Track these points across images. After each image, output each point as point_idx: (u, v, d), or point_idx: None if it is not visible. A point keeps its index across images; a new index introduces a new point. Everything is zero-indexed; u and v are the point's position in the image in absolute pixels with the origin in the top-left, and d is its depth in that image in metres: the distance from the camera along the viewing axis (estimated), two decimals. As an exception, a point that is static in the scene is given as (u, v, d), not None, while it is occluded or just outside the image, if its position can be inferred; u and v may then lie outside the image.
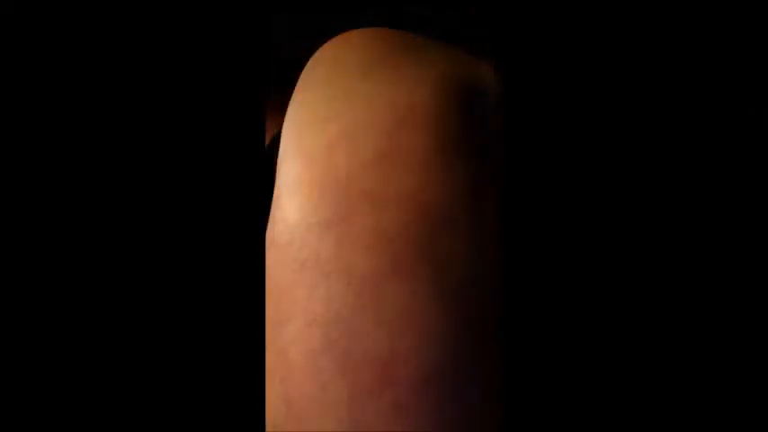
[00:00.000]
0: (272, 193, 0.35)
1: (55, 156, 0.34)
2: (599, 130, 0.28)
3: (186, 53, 0.36)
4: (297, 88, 0.38)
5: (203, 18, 0.36)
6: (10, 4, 0.34)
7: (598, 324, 0.28)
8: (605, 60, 0.28)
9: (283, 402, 0.31)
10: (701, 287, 0.27)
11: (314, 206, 0.32)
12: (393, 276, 0.31)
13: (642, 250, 0.27)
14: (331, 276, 0.31)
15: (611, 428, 0.27)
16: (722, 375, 0.27)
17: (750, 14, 0.27)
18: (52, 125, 0.34)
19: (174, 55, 0.35)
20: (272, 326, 0.32)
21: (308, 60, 0.39)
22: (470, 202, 0.32)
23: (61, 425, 0.33)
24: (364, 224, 0.31)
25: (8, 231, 0.33)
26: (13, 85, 0.34)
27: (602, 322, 0.28)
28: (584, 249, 0.28)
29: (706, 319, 0.27)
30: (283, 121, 0.37)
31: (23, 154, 0.34)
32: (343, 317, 0.31)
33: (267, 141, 0.45)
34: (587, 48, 0.28)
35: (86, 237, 0.33)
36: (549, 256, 0.30)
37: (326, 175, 0.32)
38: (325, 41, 0.39)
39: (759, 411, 0.26)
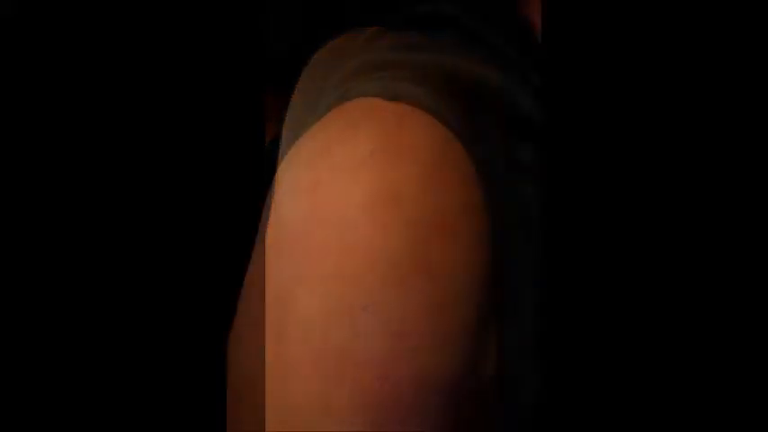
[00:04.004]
0: (272, 193, 0.35)
1: (57, 155, 0.34)
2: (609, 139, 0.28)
3: (186, 53, 0.36)
4: (297, 89, 0.38)
5: (203, 18, 0.36)
6: (10, 4, 0.34)
7: (596, 329, 0.28)
8: (616, 66, 0.28)
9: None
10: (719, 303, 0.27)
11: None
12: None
13: (647, 259, 0.27)
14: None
15: (608, 428, 0.27)
16: (724, 376, 0.27)
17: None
18: (55, 124, 0.34)
19: (174, 56, 0.35)
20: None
21: (308, 60, 0.39)
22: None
23: (63, 424, 0.33)
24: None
25: (8, 229, 0.33)
26: (12, 85, 0.34)
27: (600, 327, 0.27)
28: (585, 252, 0.28)
29: (706, 320, 0.27)
30: (283, 121, 0.37)
31: (23, 154, 0.34)
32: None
33: (267, 141, 0.45)
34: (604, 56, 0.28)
35: (81, 238, 0.33)
36: (548, 256, 0.30)
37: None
38: (324, 42, 0.39)
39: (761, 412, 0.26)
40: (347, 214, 0.31)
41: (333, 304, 0.30)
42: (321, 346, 0.30)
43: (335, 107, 0.36)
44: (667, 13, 0.28)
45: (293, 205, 0.32)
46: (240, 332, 0.33)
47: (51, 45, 0.34)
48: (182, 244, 0.35)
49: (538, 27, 0.39)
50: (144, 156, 0.35)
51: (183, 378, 0.34)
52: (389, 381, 0.30)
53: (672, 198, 0.27)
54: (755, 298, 0.26)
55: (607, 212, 0.28)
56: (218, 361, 0.33)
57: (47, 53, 0.34)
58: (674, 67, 0.28)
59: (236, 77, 0.37)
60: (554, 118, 0.29)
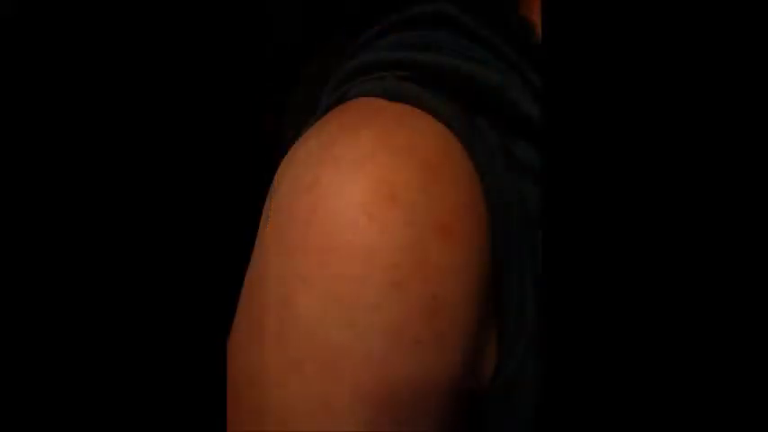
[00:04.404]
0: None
1: (57, 155, 0.34)
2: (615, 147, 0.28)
3: (186, 54, 0.36)
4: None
5: (203, 18, 0.36)
6: (10, 4, 0.34)
7: (596, 329, 0.28)
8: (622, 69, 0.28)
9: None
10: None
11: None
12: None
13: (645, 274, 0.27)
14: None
15: (608, 428, 0.27)
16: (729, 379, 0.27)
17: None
18: (55, 124, 0.34)
19: (174, 56, 0.35)
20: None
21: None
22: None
23: (63, 424, 0.33)
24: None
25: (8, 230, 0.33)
26: (12, 85, 0.34)
27: (601, 327, 0.27)
28: (585, 252, 0.28)
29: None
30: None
31: (23, 153, 0.34)
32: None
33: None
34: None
35: (80, 238, 0.33)
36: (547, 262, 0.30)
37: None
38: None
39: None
40: (347, 214, 0.31)
41: (333, 304, 0.30)
42: (321, 346, 0.30)
43: (335, 107, 0.36)
44: (668, 13, 0.28)
45: (293, 205, 0.32)
46: (240, 332, 0.33)
47: (51, 45, 0.34)
48: (181, 244, 0.35)
49: (538, 27, 0.39)
50: (143, 156, 0.35)
51: (184, 378, 0.34)
52: (389, 381, 0.30)
53: (673, 198, 0.27)
54: (756, 299, 0.26)
55: (607, 212, 0.28)
56: (219, 361, 0.33)
57: (47, 53, 0.34)
58: (675, 67, 0.28)
59: (237, 77, 0.37)
60: (554, 118, 0.29)
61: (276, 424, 0.31)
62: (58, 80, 0.34)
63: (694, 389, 0.27)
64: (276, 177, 0.35)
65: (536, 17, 0.39)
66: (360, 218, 0.31)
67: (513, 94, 0.36)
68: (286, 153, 0.35)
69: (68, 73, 0.34)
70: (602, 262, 0.28)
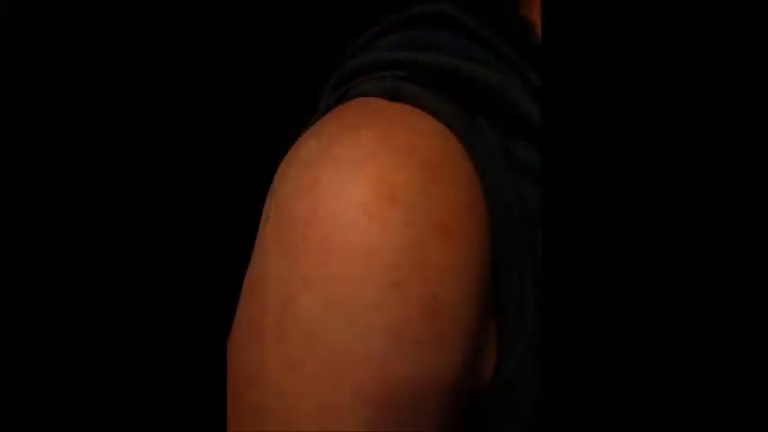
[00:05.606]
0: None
1: (58, 155, 0.34)
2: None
3: (186, 53, 0.36)
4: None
5: (204, 18, 0.36)
6: (10, 4, 0.34)
7: (596, 328, 0.28)
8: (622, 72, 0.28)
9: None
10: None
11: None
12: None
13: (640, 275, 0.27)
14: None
15: (609, 428, 0.27)
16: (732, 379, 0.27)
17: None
18: (55, 124, 0.34)
19: (175, 56, 0.35)
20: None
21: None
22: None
23: (63, 424, 0.33)
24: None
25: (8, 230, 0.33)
26: (12, 85, 0.34)
27: (601, 327, 0.27)
28: (585, 251, 0.28)
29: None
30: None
31: (23, 154, 0.34)
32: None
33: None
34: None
35: (80, 238, 0.33)
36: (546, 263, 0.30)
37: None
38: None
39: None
40: (347, 214, 0.31)
41: (333, 304, 0.30)
42: (321, 346, 0.30)
43: (335, 107, 0.36)
44: (668, 14, 0.28)
45: (293, 205, 0.32)
46: (240, 332, 0.33)
47: (51, 45, 0.34)
48: (182, 244, 0.35)
49: (538, 27, 0.39)
50: (143, 156, 0.35)
51: (184, 378, 0.34)
52: (389, 381, 0.30)
53: (673, 197, 0.27)
54: (755, 299, 0.26)
55: (607, 212, 0.28)
56: (219, 361, 0.33)
57: (47, 53, 0.34)
58: (675, 66, 0.28)
59: (237, 76, 0.37)
60: (554, 118, 0.29)
61: (276, 424, 0.31)
62: (57, 80, 0.34)
63: (694, 388, 0.27)
64: (276, 177, 0.35)
65: (536, 17, 0.39)
66: (360, 218, 0.31)
67: (513, 94, 0.36)
68: (286, 153, 0.35)
69: (69, 73, 0.34)
70: (601, 262, 0.28)
